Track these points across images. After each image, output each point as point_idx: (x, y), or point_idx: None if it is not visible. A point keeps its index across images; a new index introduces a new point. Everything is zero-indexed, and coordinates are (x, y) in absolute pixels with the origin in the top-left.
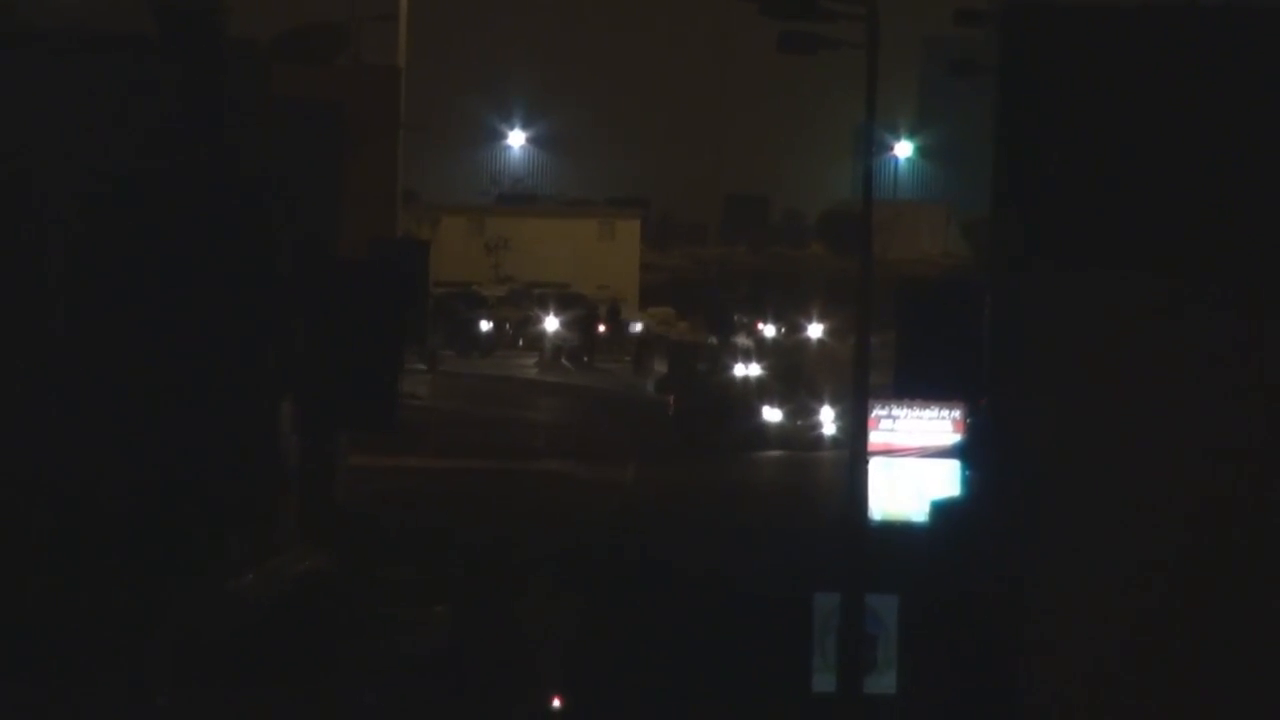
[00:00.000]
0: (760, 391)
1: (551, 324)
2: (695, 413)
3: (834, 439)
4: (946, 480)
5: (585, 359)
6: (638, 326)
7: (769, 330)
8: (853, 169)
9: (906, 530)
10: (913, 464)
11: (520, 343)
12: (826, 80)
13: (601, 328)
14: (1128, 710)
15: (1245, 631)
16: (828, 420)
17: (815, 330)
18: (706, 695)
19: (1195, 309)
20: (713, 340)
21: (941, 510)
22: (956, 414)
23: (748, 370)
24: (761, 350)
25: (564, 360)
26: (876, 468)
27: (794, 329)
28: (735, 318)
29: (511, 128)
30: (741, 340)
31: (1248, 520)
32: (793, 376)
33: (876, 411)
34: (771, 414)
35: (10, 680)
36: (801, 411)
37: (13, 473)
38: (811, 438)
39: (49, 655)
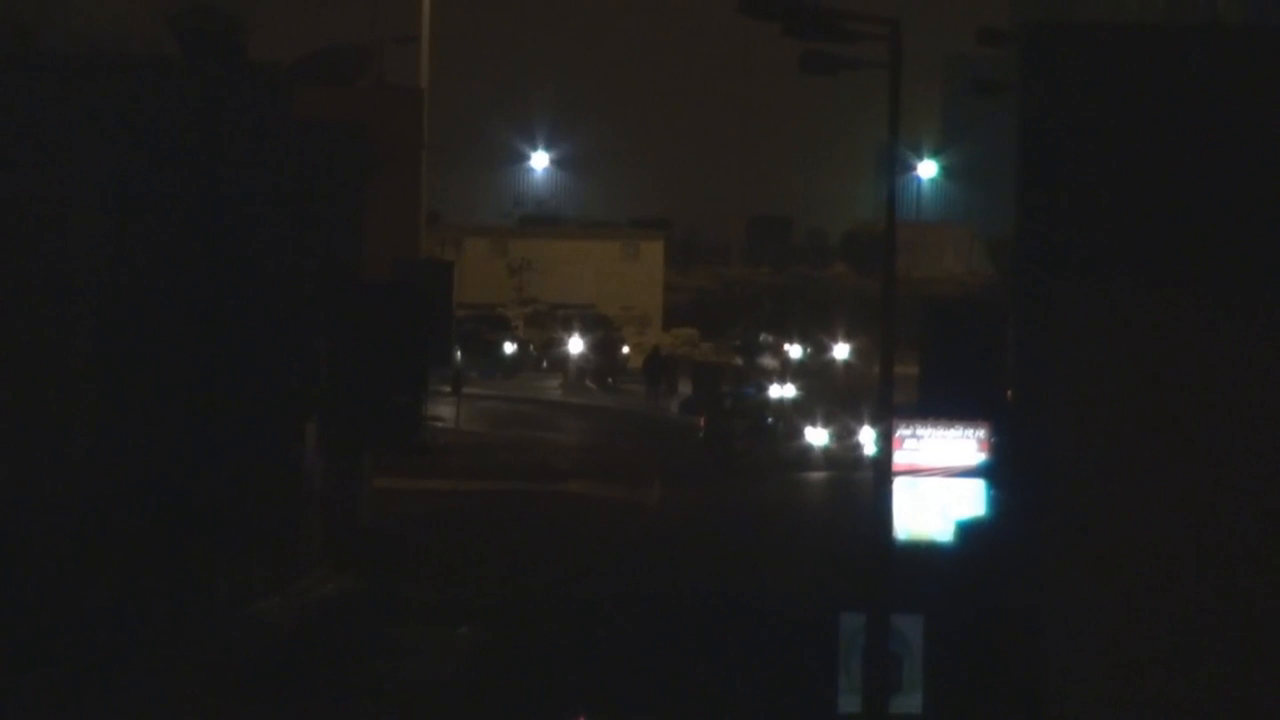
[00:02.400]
0: (801, 412)
1: (575, 345)
2: (729, 434)
3: (874, 459)
4: (972, 500)
5: (609, 380)
6: (625, 349)
7: (795, 351)
8: (876, 189)
9: (932, 550)
10: (938, 484)
11: (544, 364)
12: (849, 101)
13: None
14: None
15: (1277, 652)
16: (868, 440)
17: (841, 351)
18: (732, 715)
19: (1220, 327)
20: (738, 361)
21: (967, 530)
22: (982, 433)
23: (782, 391)
24: (787, 371)
25: (588, 382)
26: (901, 487)
27: (820, 349)
28: (760, 338)
29: (534, 149)
30: (768, 361)
31: (1278, 538)
32: (831, 397)
33: (901, 431)
34: (815, 435)
35: (32, 701)
36: (843, 432)
37: (36, 493)
38: (853, 458)
39: (71, 675)
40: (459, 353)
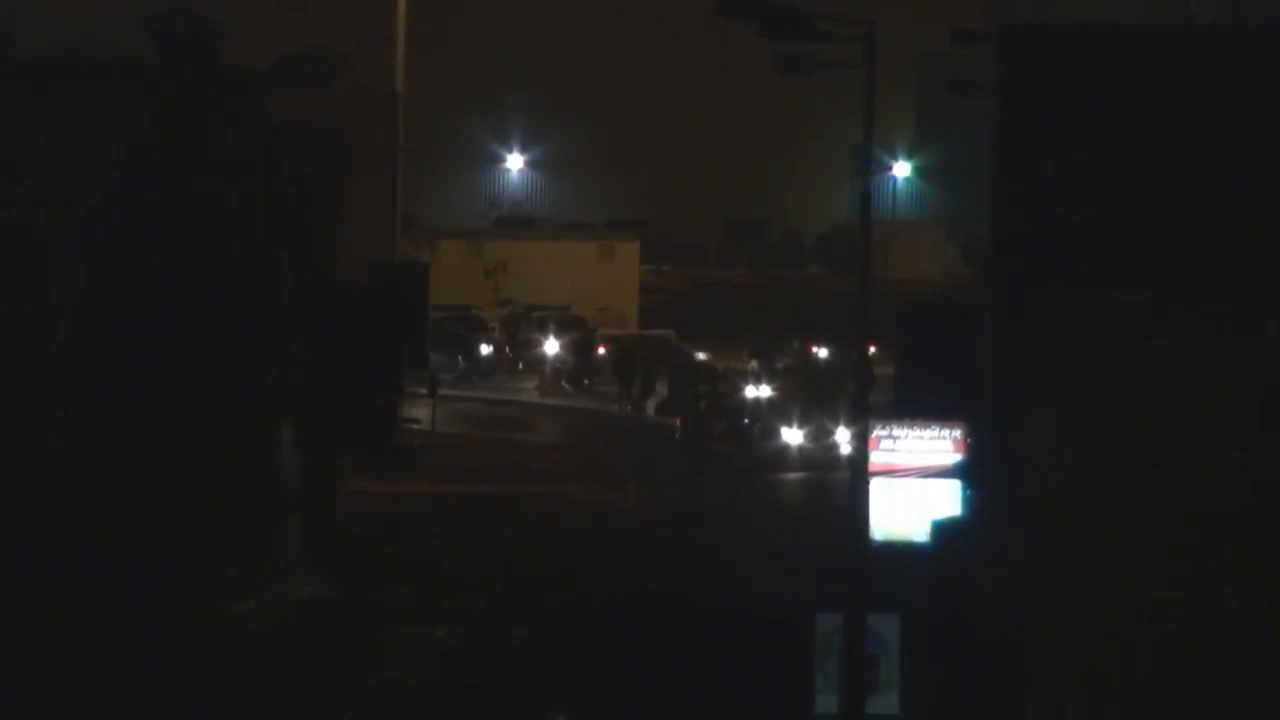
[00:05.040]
0: (777, 413)
1: (551, 347)
2: (705, 435)
3: (850, 459)
4: (947, 500)
5: (585, 382)
6: (601, 350)
7: (822, 352)
8: (851, 189)
9: (908, 550)
10: (914, 484)
11: (520, 366)
12: (824, 101)
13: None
14: None
15: (1247, 652)
16: (843, 440)
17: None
18: (709, 715)
19: (1194, 328)
20: (754, 364)
21: (943, 530)
22: (957, 434)
23: (759, 392)
24: (802, 371)
25: (564, 383)
26: (877, 488)
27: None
28: (785, 341)
29: (510, 151)
30: (787, 363)
31: (1249, 539)
32: (807, 397)
33: (877, 431)
34: (791, 435)
35: (9, 703)
36: (819, 432)
37: (12, 497)
38: (828, 458)
39: (47, 678)
40: (461, 356)
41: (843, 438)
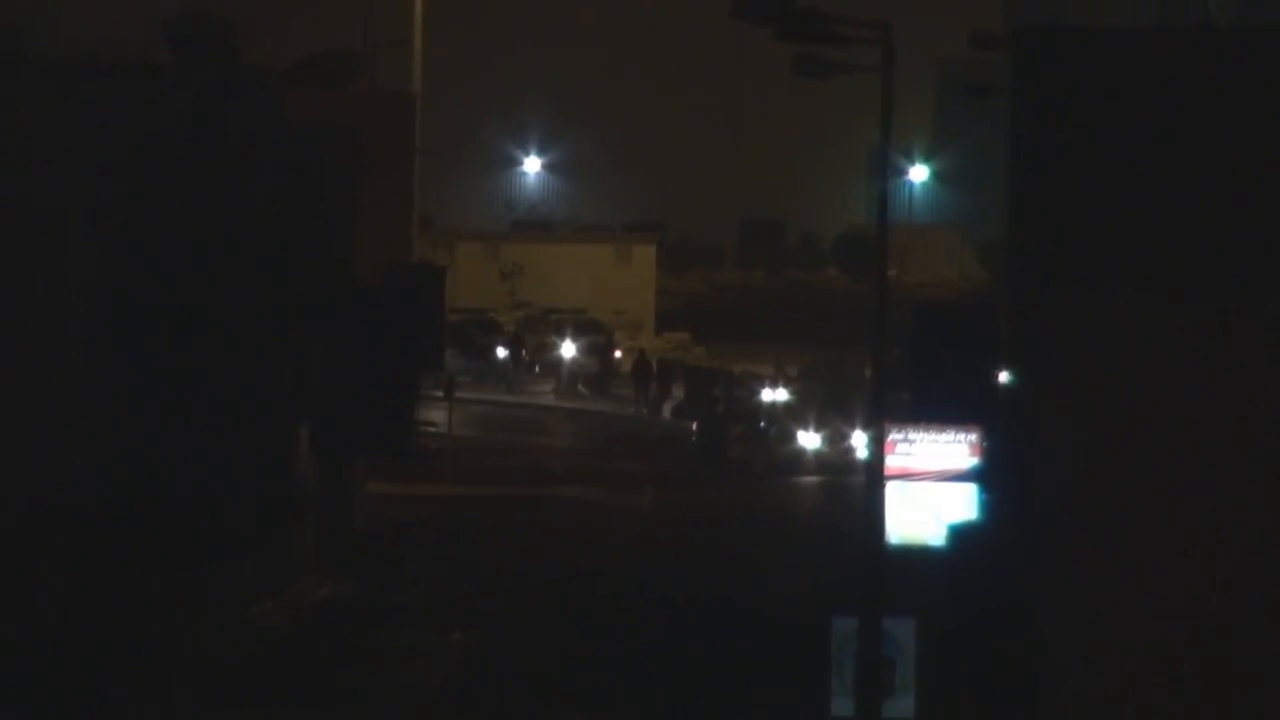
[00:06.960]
0: (793, 416)
1: (568, 350)
2: (721, 439)
3: (866, 462)
4: (964, 504)
5: (602, 385)
6: (618, 354)
7: None
8: (868, 192)
9: (924, 554)
10: (930, 488)
11: (537, 369)
12: (842, 104)
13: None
14: None
15: (1268, 655)
16: (860, 444)
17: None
18: (724, 718)
19: (1211, 331)
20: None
21: (959, 534)
22: (974, 437)
23: (774, 395)
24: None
25: (580, 386)
26: (893, 491)
27: None
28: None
29: (526, 154)
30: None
31: (1268, 542)
32: (824, 401)
33: (893, 435)
34: (807, 438)
35: (26, 705)
36: (835, 436)
37: (30, 498)
38: (844, 462)
39: (66, 679)
40: (509, 357)
41: (859, 441)
